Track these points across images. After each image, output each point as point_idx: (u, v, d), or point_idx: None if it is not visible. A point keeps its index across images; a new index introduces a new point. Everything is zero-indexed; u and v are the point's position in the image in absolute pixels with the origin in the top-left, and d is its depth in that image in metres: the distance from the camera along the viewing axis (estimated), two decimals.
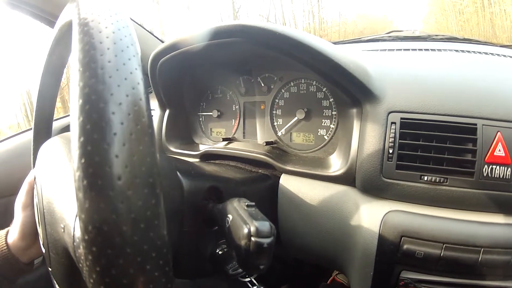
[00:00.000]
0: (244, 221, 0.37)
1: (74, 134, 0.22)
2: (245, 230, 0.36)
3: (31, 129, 0.63)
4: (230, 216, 0.40)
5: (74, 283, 0.39)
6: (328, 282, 0.91)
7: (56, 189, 0.40)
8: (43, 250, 0.46)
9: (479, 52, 0.70)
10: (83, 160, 0.21)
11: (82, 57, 0.23)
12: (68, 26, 0.40)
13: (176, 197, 0.46)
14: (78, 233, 0.30)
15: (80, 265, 0.29)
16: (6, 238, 0.58)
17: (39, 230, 0.47)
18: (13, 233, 0.58)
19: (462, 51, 0.72)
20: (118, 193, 0.22)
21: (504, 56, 0.69)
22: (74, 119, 0.22)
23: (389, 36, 1.04)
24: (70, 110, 0.23)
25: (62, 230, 0.35)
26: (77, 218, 0.30)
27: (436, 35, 1.01)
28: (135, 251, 0.22)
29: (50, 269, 0.45)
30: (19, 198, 0.59)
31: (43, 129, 0.61)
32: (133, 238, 0.22)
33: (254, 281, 0.60)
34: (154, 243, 0.23)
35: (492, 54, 0.70)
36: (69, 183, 0.38)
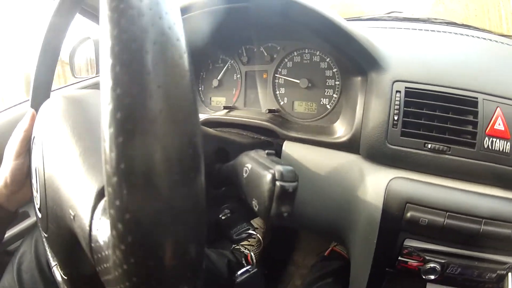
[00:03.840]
0: (266, 167, 0.35)
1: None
2: (269, 175, 0.34)
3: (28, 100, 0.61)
4: (248, 166, 0.39)
5: (74, 258, 0.37)
6: (326, 253, 0.92)
7: (63, 164, 0.36)
8: (39, 215, 0.44)
9: (478, 37, 0.72)
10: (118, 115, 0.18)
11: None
12: None
13: None
14: (97, 231, 0.27)
15: (97, 256, 0.27)
16: None
17: (36, 195, 0.45)
18: None
19: (461, 34, 0.73)
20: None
21: (502, 43, 0.70)
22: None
23: (389, 16, 1.05)
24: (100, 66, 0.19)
25: (72, 218, 0.32)
26: (99, 209, 0.28)
27: (435, 19, 1.01)
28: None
29: (44, 234, 0.43)
30: (11, 145, 0.56)
31: (42, 89, 0.60)
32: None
33: (253, 258, 0.60)
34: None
35: (490, 40, 0.71)
36: (82, 159, 0.34)
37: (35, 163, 0.45)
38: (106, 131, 0.18)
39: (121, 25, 0.18)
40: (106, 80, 0.18)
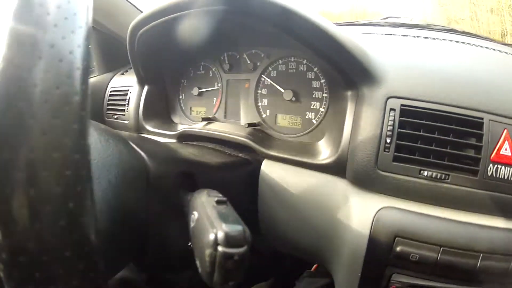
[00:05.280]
0: (211, 223, 0.29)
1: None
2: (211, 237, 0.27)
3: None
4: (195, 214, 0.32)
5: None
6: (312, 269, 0.87)
7: None
8: None
9: (481, 46, 0.66)
10: None
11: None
12: None
13: (139, 182, 0.40)
14: None
15: None
16: None
17: None
18: None
19: (463, 43, 0.68)
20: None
21: (506, 53, 0.65)
22: None
23: (386, 22, 1.00)
24: None
25: None
26: None
27: (435, 25, 0.96)
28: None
29: None
30: None
31: None
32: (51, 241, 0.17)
33: None
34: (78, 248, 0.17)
35: (493, 49, 0.66)
36: None
37: None
38: None
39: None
40: None
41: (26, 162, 0.16)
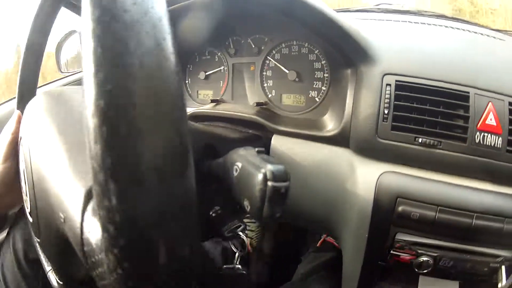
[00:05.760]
0: (256, 166, 0.33)
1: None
2: (260, 176, 0.32)
3: (14, 98, 0.59)
4: (238, 164, 0.37)
5: (68, 262, 0.35)
6: (318, 244, 0.91)
7: (51, 164, 0.35)
8: (30, 220, 0.42)
9: (468, 31, 0.71)
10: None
11: None
12: None
13: None
14: (89, 234, 0.26)
15: (90, 260, 0.25)
16: None
17: (26, 199, 0.43)
18: None
19: (452, 27, 0.73)
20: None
21: (494, 37, 0.70)
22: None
23: (378, 8, 1.04)
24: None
25: (62, 221, 0.30)
26: (89, 210, 0.26)
27: (425, 11, 1.01)
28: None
29: (37, 239, 0.41)
30: None
31: (28, 87, 0.58)
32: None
33: (253, 245, 0.59)
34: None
35: (482, 34, 0.71)
36: (69, 157, 0.33)
37: (23, 165, 0.43)
38: (89, 122, 0.17)
39: (102, 6, 0.17)
40: (87, 65, 0.17)
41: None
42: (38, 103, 0.44)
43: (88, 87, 0.17)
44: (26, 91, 0.57)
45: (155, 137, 0.17)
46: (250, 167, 0.34)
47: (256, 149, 0.38)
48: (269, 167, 0.32)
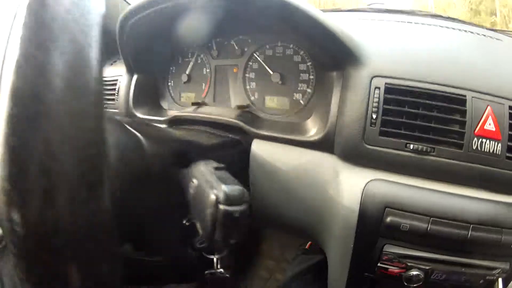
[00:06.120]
0: (211, 185, 0.30)
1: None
2: (212, 196, 0.29)
3: None
4: (195, 181, 0.34)
5: None
6: (306, 246, 0.89)
7: None
8: None
9: (465, 31, 0.68)
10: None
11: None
12: None
13: (136, 161, 0.40)
14: None
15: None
16: None
17: None
18: None
19: (447, 27, 0.70)
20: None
21: (491, 37, 0.67)
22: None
23: (371, 8, 1.01)
24: None
25: None
26: None
27: (420, 11, 0.98)
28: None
29: None
30: None
31: None
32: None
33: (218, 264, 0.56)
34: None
35: (478, 34, 0.68)
36: None
37: None
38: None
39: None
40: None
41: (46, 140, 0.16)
42: None
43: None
44: None
45: (65, 152, 0.17)
46: (205, 186, 0.31)
47: (215, 165, 0.35)
48: (223, 188, 0.29)
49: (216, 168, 0.34)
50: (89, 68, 0.18)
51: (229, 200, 0.29)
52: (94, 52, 0.19)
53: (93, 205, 0.18)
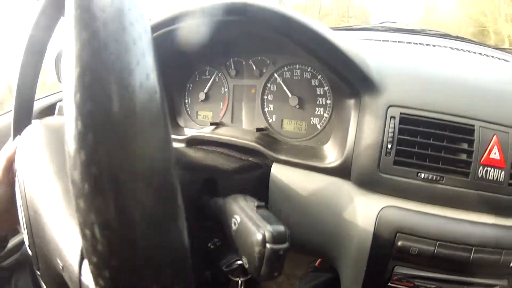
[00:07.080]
0: (256, 224, 0.33)
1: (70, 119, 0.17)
2: (259, 236, 0.31)
3: (11, 111, 0.58)
4: (237, 218, 0.36)
5: None
6: (316, 264, 0.91)
7: (46, 203, 0.34)
8: (29, 252, 0.42)
9: (474, 52, 0.70)
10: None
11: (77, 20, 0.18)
12: None
13: None
14: (88, 283, 0.26)
15: None
16: None
17: (23, 232, 0.42)
18: None
19: (457, 49, 0.71)
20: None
21: (498, 58, 0.69)
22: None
23: (382, 27, 1.03)
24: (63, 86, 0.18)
25: (61, 267, 0.30)
26: (86, 265, 0.25)
27: (429, 30, 1.00)
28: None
29: (37, 272, 0.41)
30: None
31: (23, 111, 0.57)
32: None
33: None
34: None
35: (486, 55, 0.70)
36: (65, 200, 0.33)
37: (19, 199, 0.43)
38: (71, 147, 0.17)
39: (92, 28, 0.17)
40: (68, 87, 0.17)
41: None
42: (36, 134, 0.44)
43: (70, 111, 0.17)
44: (22, 112, 0.56)
45: (141, 187, 0.17)
46: (249, 224, 0.34)
47: (256, 203, 0.37)
48: (269, 228, 0.32)
49: (258, 207, 0.37)
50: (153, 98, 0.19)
51: (275, 239, 0.31)
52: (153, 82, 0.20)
53: (173, 234, 0.19)
